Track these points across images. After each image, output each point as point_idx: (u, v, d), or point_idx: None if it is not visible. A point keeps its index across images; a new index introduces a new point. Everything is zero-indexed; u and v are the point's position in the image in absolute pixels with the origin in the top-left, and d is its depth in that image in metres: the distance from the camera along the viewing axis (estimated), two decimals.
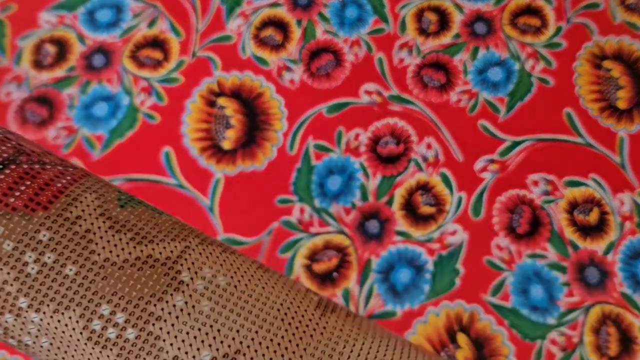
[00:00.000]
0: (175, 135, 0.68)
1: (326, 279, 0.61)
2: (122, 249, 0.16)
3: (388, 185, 0.65)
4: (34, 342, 0.15)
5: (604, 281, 0.61)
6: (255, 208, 0.64)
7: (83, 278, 0.16)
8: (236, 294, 0.16)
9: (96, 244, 0.16)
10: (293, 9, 0.76)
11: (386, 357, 0.16)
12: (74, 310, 0.15)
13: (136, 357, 0.15)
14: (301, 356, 0.15)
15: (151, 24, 0.75)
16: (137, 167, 0.66)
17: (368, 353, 0.16)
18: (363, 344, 0.16)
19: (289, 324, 0.15)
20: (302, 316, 0.16)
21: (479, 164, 0.66)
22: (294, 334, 0.15)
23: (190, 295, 0.16)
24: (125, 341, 0.15)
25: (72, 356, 0.15)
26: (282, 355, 0.15)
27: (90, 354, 0.15)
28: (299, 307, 0.16)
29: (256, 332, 0.15)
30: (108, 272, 0.16)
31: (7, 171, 0.17)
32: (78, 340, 0.15)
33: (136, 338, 0.15)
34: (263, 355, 0.15)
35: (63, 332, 0.15)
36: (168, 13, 0.76)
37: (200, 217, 0.63)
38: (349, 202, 0.65)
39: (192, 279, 0.16)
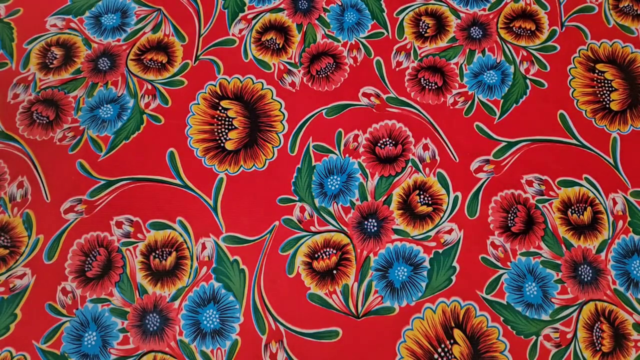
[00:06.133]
0: (179, 136, 0.69)
1: (326, 276, 0.62)
2: None
3: (386, 185, 0.67)
4: None
5: (597, 279, 0.62)
6: (257, 207, 0.65)
7: None
8: None
9: None
10: (294, 13, 0.77)
11: None
12: None
13: None
14: None
15: (155, 28, 0.76)
16: (142, 168, 0.68)
17: None
18: None
19: None
20: None
21: (474, 165, 0.68)
22: None
23: None
24: None
25: None
26: None
27: None
28: None
29: None
30: None
31: None
32: None
33: None
34: None
35: None
36: (172, 17, 0.77)
37: (204, 216, 0.65)
38: (348, 202, 0.66)
39: None
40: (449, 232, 0.64)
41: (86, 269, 0.62)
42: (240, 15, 0.77)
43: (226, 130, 0.70)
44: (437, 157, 0.68)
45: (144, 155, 0.68)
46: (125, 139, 0.69)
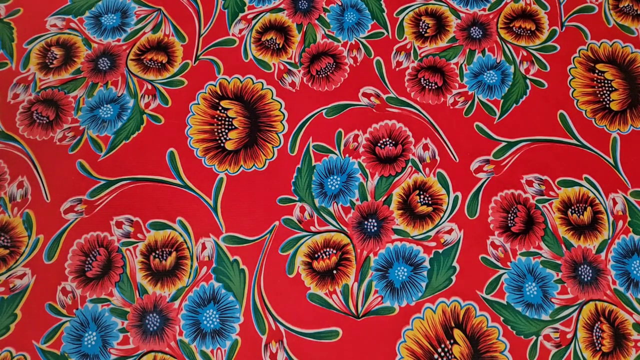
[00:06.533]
0: (179, 136, 0.69)
1: (326, 276, 0.62)
2: None
3: (386, 185, 0.67)
4: None
5: (597, 279, 0.62)
6: (257, 207, 0.65)
7: None
8: None
9: None
10: (294, 13, 0.77)
11: None
12: None
13: None
14: None
15: (155, 28, 0.76)
16: (142, 168, 0.68)
17: None
18: None
19: None
20: None
21: (474, 165, 0.68)
22: None
23: None
24: None
25: None
26: None
27: None
28: None
29: None
30: None
31: None
32: None
33: None
34: None
35: None
36: (172, 17, 0.77)
37: (204, 216, 0.65)
38: (348, 202, 0.66)
39: None
40: (449, 232, 0.64)
41: (86, 269, 0.63)
42: (240, 15, 0.77)
43: (226, 130, 0.70)
44: (437, 157, 0.68)
45: (144, 155, 0.68)
46: (125, 139, 0.69)
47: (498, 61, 0.74)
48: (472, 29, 0.76)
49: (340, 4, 0.78)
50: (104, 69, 0.73)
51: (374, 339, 0.60)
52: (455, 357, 0.59)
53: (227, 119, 0.70)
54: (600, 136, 0.69)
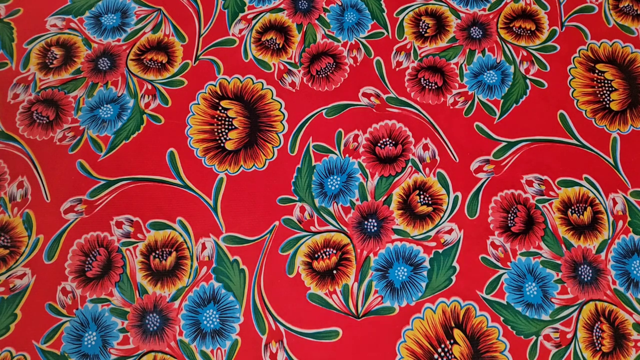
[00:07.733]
0: (179, 136, 0.69)
1: (326, 276, 0.62)
2: None
3: (386, 185, 0.67)
4: None
5: (597, 279, 0.62)
6: (257, 207, 0.65)
7: None
8: None
9: None
10: (294, 13, 0.77)
11: None
12: None
13: None
14: None
15: (155, 28, 0.76)
16: (142, 168, 0.68)
17: None
18: None
19: None
20: None
21: (474, 165, 0.68)
22: None
23: None
24: None
25: None
26: None
27: None
28: None
29: None
30: None
31: None
32: None
33: None
34: None
35: None
36: (172, 17, 0.77)
37: (204, 216, 0.65)
38: (348, 202, 0.66)
39: None
40: (449, 232, 0.64)
41: (86, 269, 0.63)
42: (240, 15, 0.77)
43: (226, 130, 0.70)
44: (437, 157, 0.68)
45: (144, 155, 0.68)
46: (125, 139, 0.69)
47: (498, 61, 0.74)
48: (472, 29, 0.76)
49: (340, 4, 0.78)
50: (104, 69, 0.73)
51: (374, 339, 0.60)
52: (455, 357, 0.59)
53: (227, 119, 0.70)
54: (600, 136, 0.69)
